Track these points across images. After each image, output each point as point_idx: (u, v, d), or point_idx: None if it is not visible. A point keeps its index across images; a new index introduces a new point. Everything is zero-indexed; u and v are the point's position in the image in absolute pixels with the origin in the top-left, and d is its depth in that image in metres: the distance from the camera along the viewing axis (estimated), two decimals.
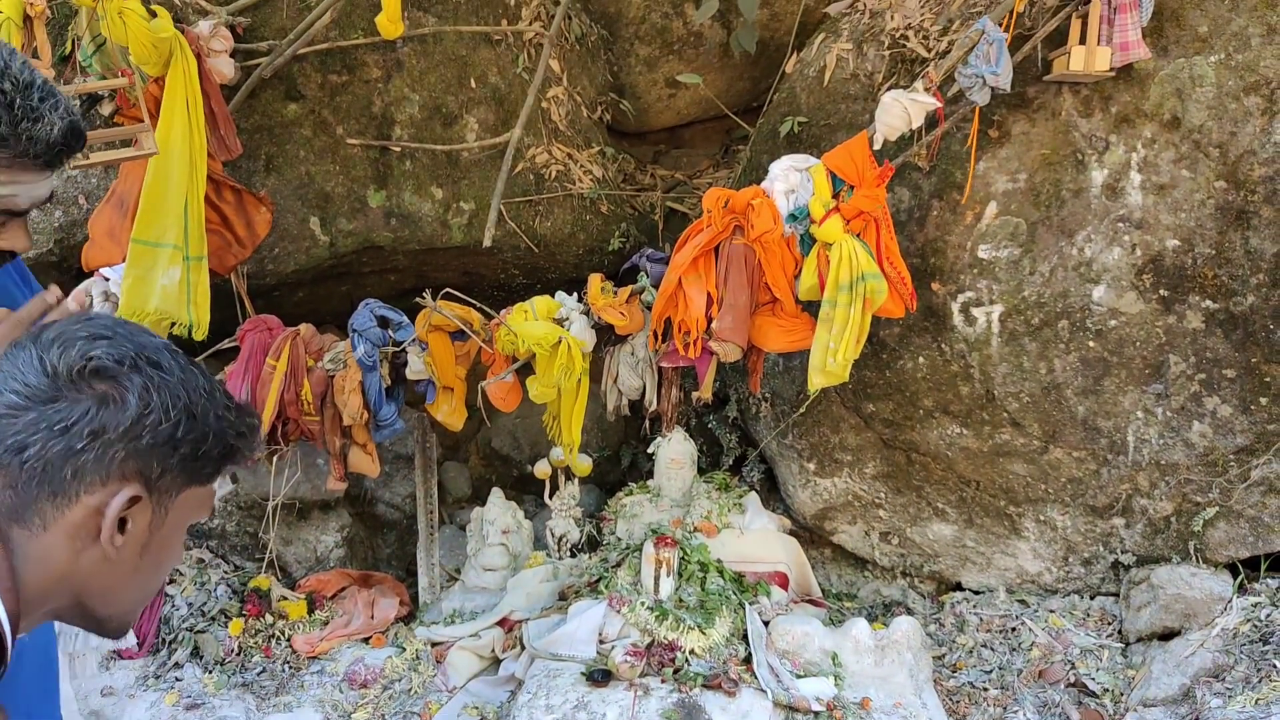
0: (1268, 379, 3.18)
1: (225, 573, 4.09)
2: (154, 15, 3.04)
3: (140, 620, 3.79)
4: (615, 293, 3.46)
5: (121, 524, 0.98)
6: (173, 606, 3.87)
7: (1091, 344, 3.33)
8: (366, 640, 3.92)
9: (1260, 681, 2.96)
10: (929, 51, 3.47)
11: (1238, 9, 3.13)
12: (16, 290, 1.77)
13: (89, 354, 0.97)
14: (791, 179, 3.30)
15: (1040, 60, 3.26)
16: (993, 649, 3.51)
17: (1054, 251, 3.33)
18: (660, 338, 3.41)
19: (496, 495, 4.16)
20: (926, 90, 3.17)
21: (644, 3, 4.52)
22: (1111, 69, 3.13)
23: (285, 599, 4.04)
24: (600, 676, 3.29)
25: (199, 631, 3.83)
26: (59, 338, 0.98)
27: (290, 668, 3.80)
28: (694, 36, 4.52)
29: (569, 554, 4.07)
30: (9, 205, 1.40)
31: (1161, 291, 3.25)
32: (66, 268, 3.59)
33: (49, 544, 0.96)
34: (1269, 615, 3.10)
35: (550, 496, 4.15)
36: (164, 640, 3.81)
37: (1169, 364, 3.28)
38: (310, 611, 4.03)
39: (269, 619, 3.93)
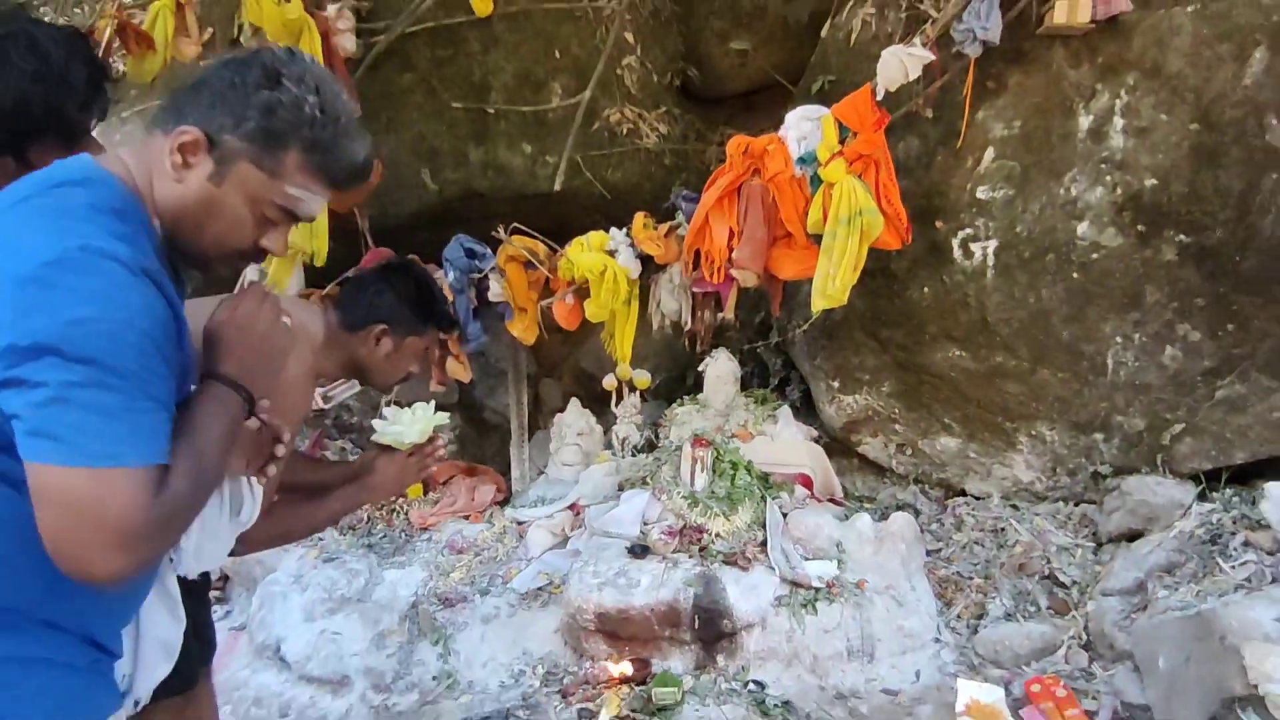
0: (1234, 307, 3.45)
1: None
2: (287, 0, 3.84)
3: None
4: (656, 227, 4.09)
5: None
6: None
7: (1075, 275, 3.68)
8: (466, 517, 4.77)
9: (1204, 576, 3.30)
10: (939, 12, 3.86)
11: None
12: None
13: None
14: (803, 127, 3.82)
15: (1035, 17, 3.61)
16: (983, 545, 3.95)
17: (1043, 191, 3.69)
18: (692, 266, 4.02)
19: (574, 404, 4.90)
20: (923, 45, 3.61)
21: None
22: (1094, 20, 3.43)
23: None
24: (640, 551, 3.97)
25: None
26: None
27: (405, 535, 4.70)
28: (759, 9, 5.01)
29: (631, 454, 4.76)
30: (293, 207, 1.43)
31: (1140, 227, 3.56)
32: None
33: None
34: (1219, 520, 3.40)
35: (616, 405, 4.86)
36: None
37: (1145, 294, 3.59)
38: (425, 493, 4.93)
39: (391, 497, 4.84)
